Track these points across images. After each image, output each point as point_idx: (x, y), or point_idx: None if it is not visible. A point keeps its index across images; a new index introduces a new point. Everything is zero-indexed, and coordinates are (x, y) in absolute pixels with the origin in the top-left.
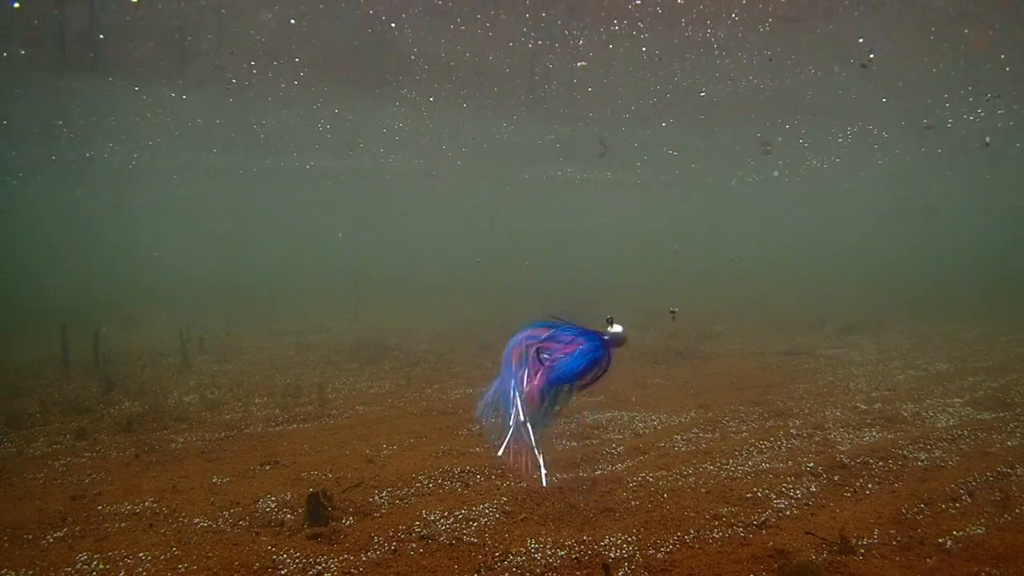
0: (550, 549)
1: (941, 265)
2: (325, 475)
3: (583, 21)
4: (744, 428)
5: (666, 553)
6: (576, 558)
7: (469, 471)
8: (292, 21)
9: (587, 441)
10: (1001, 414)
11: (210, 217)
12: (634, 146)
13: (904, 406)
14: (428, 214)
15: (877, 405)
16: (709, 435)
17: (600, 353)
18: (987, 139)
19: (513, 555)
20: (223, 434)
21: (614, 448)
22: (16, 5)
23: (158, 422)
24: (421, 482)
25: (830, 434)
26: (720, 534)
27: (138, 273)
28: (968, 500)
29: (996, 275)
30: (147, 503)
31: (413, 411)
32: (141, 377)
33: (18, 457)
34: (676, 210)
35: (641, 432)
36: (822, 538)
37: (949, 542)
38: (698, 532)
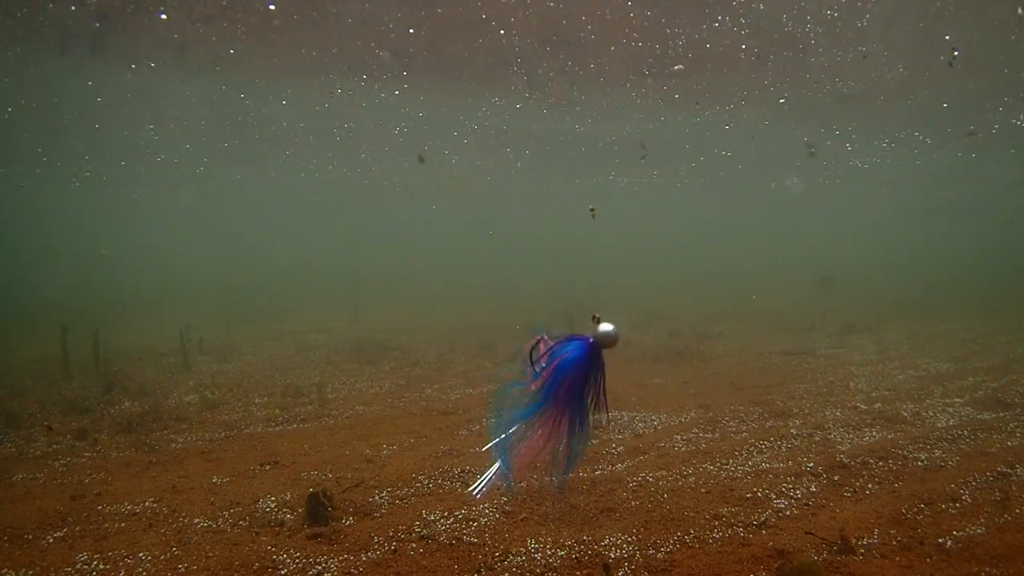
0: (550, 549)
1: (962, 265)
2: (325, 475)
3: (687, 18)
4: (744, 428)
5: (666, 553)
6: (576, 558)
7: (469, 471)
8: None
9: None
10: (1001, 414)
11: (214, 217)
12: (685, 147)
13: (904, 406)
14: (428, 214)
15: (877, 405)
16: (709, 435)
17: (579, 356)
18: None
19: (513, 555)
20: (223, 434)
21: (614, 448)
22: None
23: (158, 422)
24: (421, 482)
25: (830, 434)
26: (720, 534)
27: (151, 274)
28: (968, 500)
29: (998, 275)
30: (147, 503)
31: (413, 411)
32: (141, 377)
33: (18, 457)
34: (694, 212)
35: (641, 432)
36: (822, 538)
37: (949, 542)
38: (698, 532)
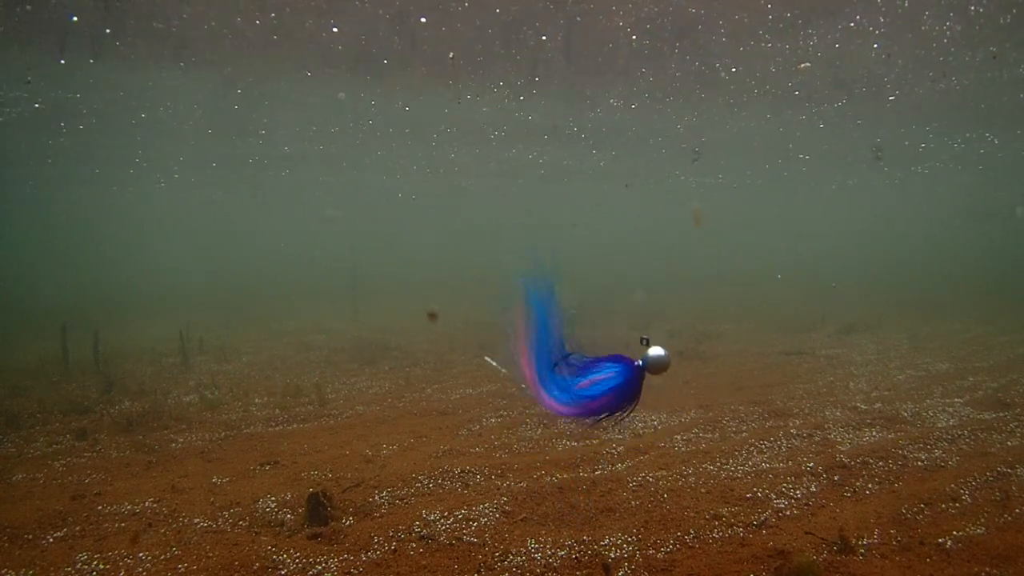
0: (550, 549)
1: (965, 266)
2: (325, 475)
3: (824, 20)
4: (744, 428)
5: (666, 553)
6: (576, 558)
7: (469, 471)
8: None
9: (587, 441)
10: (1001, 414)
11: (215, 216)
12: (758, 151)
13: (904, 406)
14: (430, 214)
15: (877, 405)
16: (709, 435)
17: (626, 380)
18: None
19: (513, 555)
20: (223, 434)
21: (614, 448)
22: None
23: (158, 422)
24: (421, 482)
25: (830, 434)
26: (720, 534)
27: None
28: (968, 500)
29: (998, 276)
30: (147, 503)
31: (413, 411)
32: (140, 377)
33: (18, 457)
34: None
35: (641, 432)
36: (822, 538)
37: (949, 542)
38: (698, 532)
